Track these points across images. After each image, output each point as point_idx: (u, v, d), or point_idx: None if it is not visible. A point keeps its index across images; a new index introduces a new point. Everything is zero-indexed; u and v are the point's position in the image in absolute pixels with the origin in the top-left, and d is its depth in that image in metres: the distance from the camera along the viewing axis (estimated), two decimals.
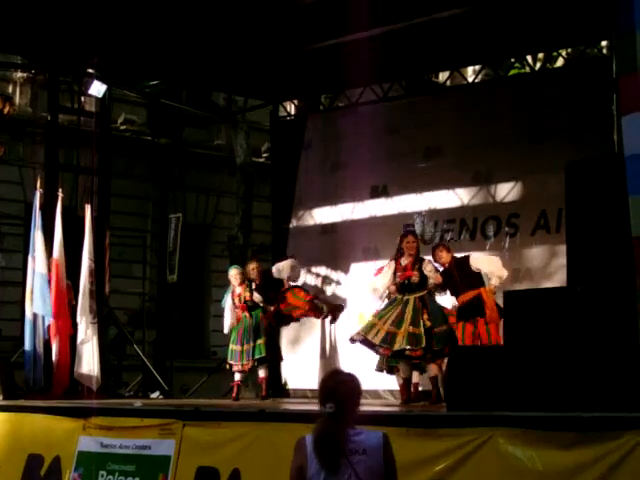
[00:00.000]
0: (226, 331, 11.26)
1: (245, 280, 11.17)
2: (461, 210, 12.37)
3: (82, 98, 13.37)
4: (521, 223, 11.76)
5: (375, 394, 11.50)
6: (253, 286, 11.13)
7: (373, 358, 10.13)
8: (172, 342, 15.96)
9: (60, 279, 11.41)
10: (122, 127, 18.18)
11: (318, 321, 13.11)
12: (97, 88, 12.32)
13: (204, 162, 19.18)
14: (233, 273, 11.31)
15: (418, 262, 9.84)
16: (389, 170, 13.06)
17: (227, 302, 11.22)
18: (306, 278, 13.57)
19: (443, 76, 16.16)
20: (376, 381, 10.48)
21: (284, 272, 11.78)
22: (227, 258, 17.20)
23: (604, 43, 13.08)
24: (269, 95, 14.84)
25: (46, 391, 10.98)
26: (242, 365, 11.08)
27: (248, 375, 11.73)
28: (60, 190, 12.05)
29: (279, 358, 11.99)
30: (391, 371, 10.28)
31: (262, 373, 11.21)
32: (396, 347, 9.49)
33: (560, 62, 13.43)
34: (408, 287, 9.76)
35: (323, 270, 13.54)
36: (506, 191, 12.02)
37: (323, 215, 13.79)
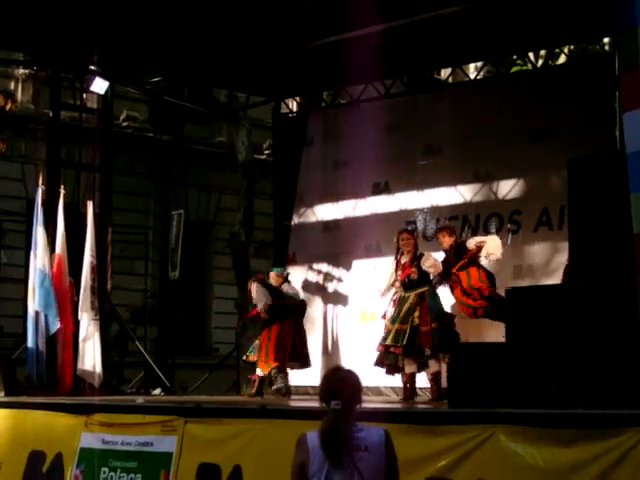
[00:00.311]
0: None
1: None
2: (463, 207, 12.33)
3: (84, 95, 13.34)
4: (523, 220, 11.73)
5: (376, 391, 11.48)
6: None
7: (373, 355, 10.12)
8: (174, 339, 15.95)
9: (62, 276, 11.42)
10: (124, 124, 18.20)
11: (319, 318, 13.11)
12: (99, 85, 12.30)
13: (206, 159, 19.18)
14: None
15: (417, 259, 9.86)
16: (391, 167, 13.03)
17: None
18: (308, 275, 13.58)
19: (445, 73, 16.15)
20: (377, 378, 10.46)
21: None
22: (229, 255, 17.23)
23: (606, 40, 13.07)
24: (271, 92, 14.82)
25: (48, 388, 10.98)
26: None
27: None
28: (62, 187, 12.07)
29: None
30: (391, 371, 10.11)
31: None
32: (387, 342, 9.70)
33: (562, 59, 13.42)
34: (409, 284, 9.83)
35: (325, 267, 13.51)
36: (508, 188, 11.98)
37: (325, 212, 13.76)
